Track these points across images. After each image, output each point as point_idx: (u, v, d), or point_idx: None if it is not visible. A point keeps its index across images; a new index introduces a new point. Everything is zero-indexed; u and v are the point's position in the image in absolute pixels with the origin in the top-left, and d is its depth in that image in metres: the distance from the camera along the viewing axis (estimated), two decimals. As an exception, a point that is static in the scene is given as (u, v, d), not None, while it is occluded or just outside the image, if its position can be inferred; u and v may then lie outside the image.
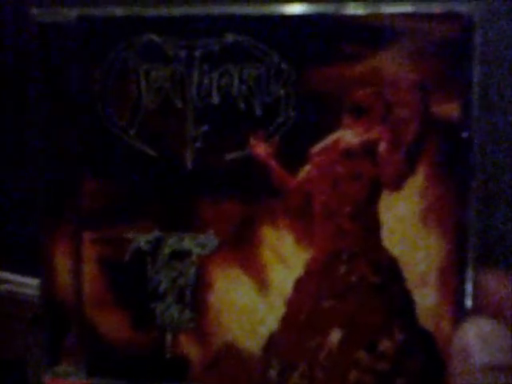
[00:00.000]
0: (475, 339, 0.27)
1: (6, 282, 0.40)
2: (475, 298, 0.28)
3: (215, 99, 0.30)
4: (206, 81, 0.30)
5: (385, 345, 0.29)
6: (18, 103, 0.39)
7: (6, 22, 0.38)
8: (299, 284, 0.30)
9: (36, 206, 0.31)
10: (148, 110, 0.31)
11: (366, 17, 0.29)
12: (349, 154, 0.29)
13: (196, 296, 0.31)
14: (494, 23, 0.33)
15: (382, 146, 0.29)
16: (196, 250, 0.31)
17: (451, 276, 0.29)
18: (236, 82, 0.30)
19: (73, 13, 0.31)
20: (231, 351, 0.31)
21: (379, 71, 0.29)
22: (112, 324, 0.31)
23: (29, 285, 0.39)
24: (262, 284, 0.30)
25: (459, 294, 0.29)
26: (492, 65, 0.33)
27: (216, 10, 0.30)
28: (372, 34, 0.29)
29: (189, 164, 0.30)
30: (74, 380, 0.32)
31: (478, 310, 0.28)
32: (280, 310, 0.30)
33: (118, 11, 0.30)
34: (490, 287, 0.28)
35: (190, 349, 0.31)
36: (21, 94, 0.38)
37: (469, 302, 0.29)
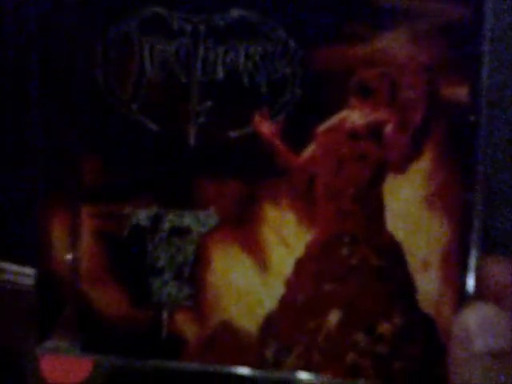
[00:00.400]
0: (476, 325, 0.27)
1: (4, 271, 0.40)
2: (477, 283, 0.28)
3: (220, 75, 0.30)
4: (211, 56, 0.30)
5: (384, 328, 0.29)
6: (17, 79, 0.38)
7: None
8: (299, 265, 0.30)
9: (35, 183, 0.31)
10: (151, 84, 0.30)
11: None
12: (354, 134, 0.29)
13: (194, 273, 0.31)
14: (505, 5, 0.32)
15: (388, 128, 0.29)
16: (196, 227, 0.30)
17: (454, 261, 0.29)
18: (242, 58, 0.29)
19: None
20: (228, 330, 0.30)
21: (387, 52, 0.29)
22: (108, 300, 0.31)
23: (27, 274, 0.39)
24: (261, 264, 0.30)
25: (461, 279, 0.29)
26: (501, 48, 0.33)
27: (223, -16, 0.29)
28: (381, 13, 0.29)
29: (191, 140, 0.30)
30: (67, 355, 0.32)
31: (479, 296, 0.28)
32: (279, 290, 0.30)
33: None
34: (492, 273, 0.28)
35: (187, 327, 0.31)
36: (21, 70, 0.38)
37: (471, 288, 0.29)
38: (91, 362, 0.35)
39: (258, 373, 0.30)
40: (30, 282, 0.38)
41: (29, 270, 0.38)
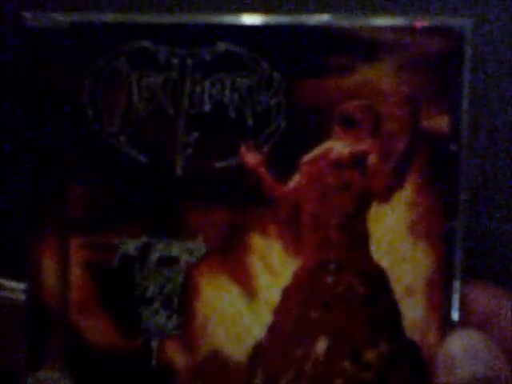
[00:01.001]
0: (461, 351, 0.27)
1: (7, 289, 0.40)
2: (462, 310, 0.29)
3: (207, 107, 0.30)
4: (197, 89, 0.30)
5: (370, 355, 0.29)
6: (4, 109, 0.39)
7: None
8: (286, 293, 0.30)
9: (24, 211, 0.31)
10: (139, 116, 0.31)
11: (358, 29, 0.29)
12: (338, 164, 0.30)
13: (183, 303, 0.31)
14: (484, 37, 0.33)
15: (372, 158, 0.29)
16: (184, 257, 0.31)
17: (438, 288, 0.29)
18: (228, 90, 0.30)
19: (65, 18, 0.31)
20: (217, 359, 0.30)
21: (370, 84, 0.29)
22: (98, 330, 0.31)
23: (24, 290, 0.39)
24: (249, 292, 0.30)
25: (446, 306, 0.29)
26: (482, 79, 0.33)
27: (208, 18, 0.30)
28: (363, 46, 0.29)
29: (179, 171, 0.30)
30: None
31: (464, 323, 0.28)
32: (267, 318, 0.30)
33: (111, 18, 0.30)
34: (476, 299, 0.29)
35: (176, 356, 0.31)
36: (8, 100, 0.38)
37: (455, 314, 0.29)
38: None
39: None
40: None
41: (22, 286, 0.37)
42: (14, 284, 0.39)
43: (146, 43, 0.30)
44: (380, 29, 0.29)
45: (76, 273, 0.31)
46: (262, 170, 0.30)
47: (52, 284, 0.31)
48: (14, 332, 0.38)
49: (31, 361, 0.32)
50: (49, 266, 0.31)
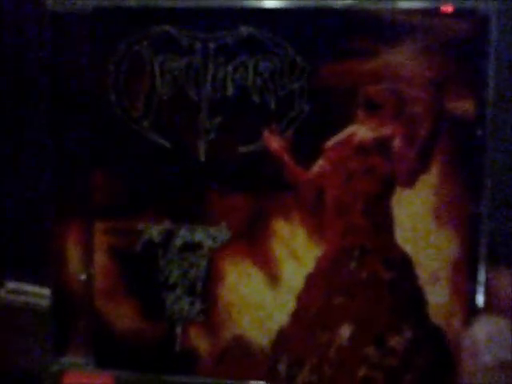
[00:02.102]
0: (485, 337, 0.27)
1: (23, 293, 0.40)
2: (486, 296, 0.28)
3: (230, 91, 0.30)
4: (220, 73, 0.30)
5: (394, 341, 0.29)
6: (28, 95, 0.39)
7: (18, 10, 0.38)
8: (310, 279, 0.30)
9: (48, 199, 0.31)
10: (162, 101, 0.31)
11: (382, 12, 0.29)
12: (362, 149, 0.29)
13: (206, 288, 0.31)
14: (510, 20, 0.32)
15: (396, 142, 0.29)
16: (207, 243, 0.31)
17: (463, 274, 0.29)
18: (251, 74, 0.30)
19: (88, 3, 0.31)
20: (240, 345, 0.31)
21: (393, 67, 0.29)
22: (122, 315, 0.31)
23: (45, 296, 0.39)
24: (272, 278, 0.30)
25: (470, 292, 0.29)
26: (508, 62, 0.33)
27: (231, 2, 0.30)
28: (387, 29, 0.29)
29: (202, 156, 0.30)
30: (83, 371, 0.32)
31: (489, 308, 0.28)
32: (290, 304, 0.30)
33: (134, 2, 0.30)
34: (501, 285, 0.28)
35: (200, 341, 0.31)
36: (32, 86, 0.38)
37: (480, 300, 0.29)
38: (112, 376, 0.35)
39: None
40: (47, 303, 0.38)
41: (47, 291, 0.38)
42: (36, 289, 0.40)
43: (168, 28, 0.30)
44: (404, 12, 0.29)
45: (100, 258, 0.31)
46: (286, 155, 0.30)
47: (76, 269, 0.32)
48: (35, 337, 0.38)
49: (56, 347, 0.32)
50: (73, 251, 0.32)
